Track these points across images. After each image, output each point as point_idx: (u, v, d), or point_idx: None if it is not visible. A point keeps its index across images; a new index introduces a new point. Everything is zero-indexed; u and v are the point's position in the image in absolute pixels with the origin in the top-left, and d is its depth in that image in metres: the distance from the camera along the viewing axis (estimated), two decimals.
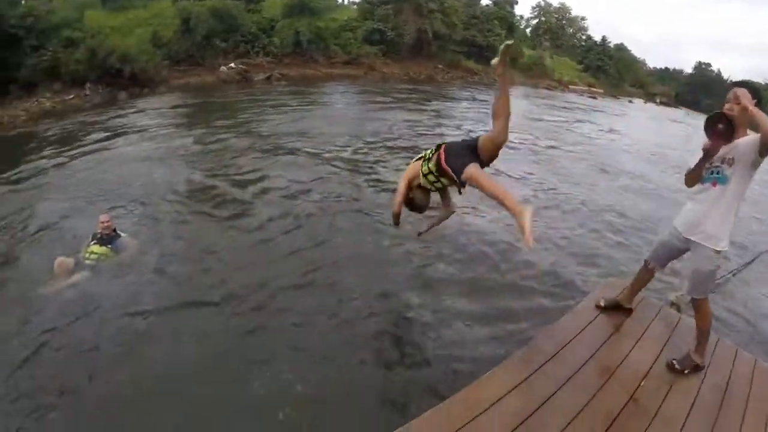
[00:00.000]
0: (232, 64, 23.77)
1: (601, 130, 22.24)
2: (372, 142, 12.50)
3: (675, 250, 3.75)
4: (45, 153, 10.71)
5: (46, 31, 18.14)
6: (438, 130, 15.13)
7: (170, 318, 4.90)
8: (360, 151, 11.57)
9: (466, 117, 19.04)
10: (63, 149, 10.95)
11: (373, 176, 9.65)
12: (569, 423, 3.00)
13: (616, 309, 4.26)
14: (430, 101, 22.25)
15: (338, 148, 11.36)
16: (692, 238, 3.48)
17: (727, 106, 3.24)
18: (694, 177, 3.49)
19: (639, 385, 3.46)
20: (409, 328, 5.27)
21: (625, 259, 7.40)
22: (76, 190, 8.24)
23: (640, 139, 21.54)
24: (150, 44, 21.75)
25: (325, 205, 7.93)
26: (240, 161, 10.02)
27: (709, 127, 3.24)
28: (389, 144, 12.44)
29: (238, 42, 26.17)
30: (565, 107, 30.89)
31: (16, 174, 9.12)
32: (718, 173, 3.35)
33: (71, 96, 17.61)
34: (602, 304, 4.27)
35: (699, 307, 3.63)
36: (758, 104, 3.10)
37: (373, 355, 4.68)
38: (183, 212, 7.47)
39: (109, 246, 5.70)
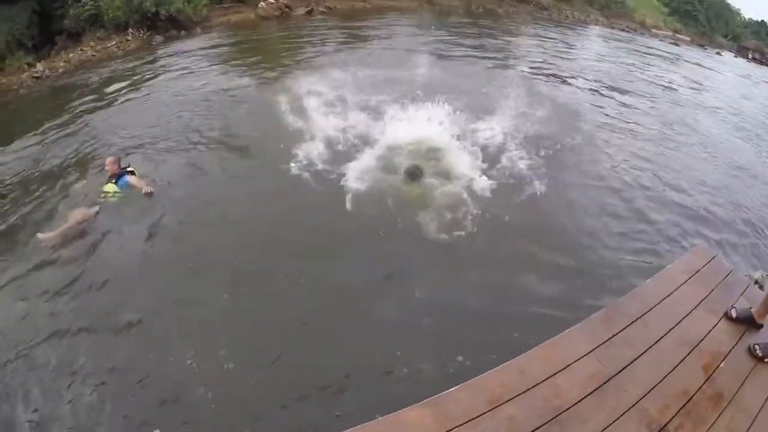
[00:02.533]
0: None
1: (677, 83, 21.08)
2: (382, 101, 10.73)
3: None
4: (74, 104, 11.54)
5: None
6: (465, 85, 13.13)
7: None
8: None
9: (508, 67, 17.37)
10: (88, 99, 11.80)
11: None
12: (645, 395, 3.09)
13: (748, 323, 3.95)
14: (482, 42, 21.09)
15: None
16: None
17: None
18: None
19: (718, 365, 3.48)
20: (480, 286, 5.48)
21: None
22: (95, 136, 9.19)
23: (723, 100, 20.47)
24: None
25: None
26: (239, 112, 10.06)
27: None
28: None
29: None
30: (641, 52, 29.40)
31: (46, 126, 10.07)
32: None
33: (113, 42, 18.03)
34: (734, 315, 3.94)
35: None
36: None
37: (450, 312, 4.97)
38: (193, 156, 8.07)
39: (115, 182, 6.69)
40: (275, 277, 5.28)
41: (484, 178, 7.32)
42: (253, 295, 5.04)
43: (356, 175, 7.17)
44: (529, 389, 2.97)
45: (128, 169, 6.83)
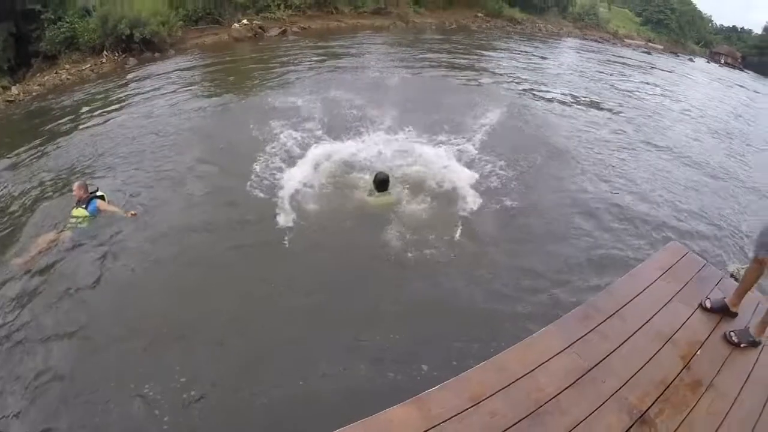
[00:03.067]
0: (245, 21, 23.46)
1: (649, 91, 21.78)
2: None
3: None
4: (47, 128, 11.62)
5: (63, 2, 18.97)
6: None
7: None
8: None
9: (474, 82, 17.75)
10: (60, 123, 11.90)
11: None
12: (624, 385, 3.23)
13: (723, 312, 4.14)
14: (455, 58, 21.49)
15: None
16: None
17: None
18: None
19: (694, 354, 3.63)
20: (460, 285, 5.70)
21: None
22: (67, 160, 9.22)
23: (694, 104, 21.09)
24: (167, 5, 21.78)
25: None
26: (209, 134, 10.08)
27: None
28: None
29: None
30: (614, 61, 30.17)
31: (19, 150, 10.10)
32: None
33: (88, 65, 18.24)
34: (708, 305, 4.14)
35: None
36: None
37: (425, 311, 5.17)
38: (164, 179, 8.10)
39: (85, 207, 6.69)
40: (246, 300, 5.30)
41: (457, 189, 7.48)
42: (220, 319, 5.04)
43: (326, 192, 7.30)
44: (509, 385, 3.08)
45: (97, 193, 6.88)
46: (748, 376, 3.59)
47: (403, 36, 27.54)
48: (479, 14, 39.79)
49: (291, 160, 8.20)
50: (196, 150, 8.98)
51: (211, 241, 6.32)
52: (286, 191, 7.16)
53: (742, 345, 3.80)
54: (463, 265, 5.95)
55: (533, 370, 3.21)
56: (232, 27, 22.92)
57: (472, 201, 7.20)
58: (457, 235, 6.41)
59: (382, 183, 6.99)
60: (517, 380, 3.11)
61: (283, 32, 24.32)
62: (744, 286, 4.07)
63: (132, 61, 18.59)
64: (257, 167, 7.90)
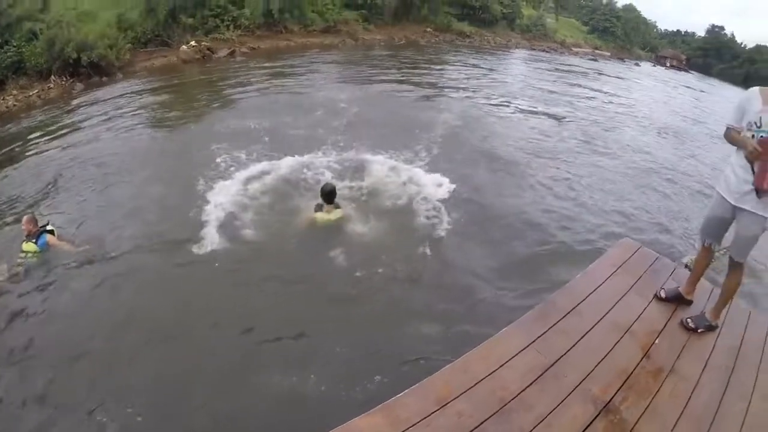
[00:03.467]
0: (193, 42, 23.31)
1: (596, 96, 22.83)
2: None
3: (726, 221, 3.86)
4: None
5: (10, 25, 18.74)
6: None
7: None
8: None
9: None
10: (3, 153, 11.56)
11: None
12: (586, 377, 3.31)
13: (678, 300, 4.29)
14: (404, 73, 21.95)
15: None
16: (744, 207, 3.58)
17: None
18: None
19: (653, 342, 3.75)
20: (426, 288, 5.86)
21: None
22: (11, 193, 8.89)
23: (640, 106, 22.17)
24: (115, 28, 21.60)
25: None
26: (152, 160, 9.90)
27: None
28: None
29: (206, 17, 25.84)
30: (563, 70, 31.28)
31: None
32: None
33: (35, 91, 17.84)
34: (663, 295, 4.29)
35: (735, 270, 3.86)
36: None
37: (396, 314, 5.28)
38: (108, 210, 7.88)
39: (35, 242, 6.56)
40: (192, 334, 5.14)
41: (407, 201, 7.62)
42: (166, 353, 4.86)
43: (270, 211, 7.28)
44: (474, 385, 3.11)
45: (47, 227, 6.72)
46: (708, 359, 3.72)
47: (351, 53, 28.00)
48: (428, 29, 40.60)
49: (236, 182, 8.13)
50: (142, 176, 8.84)
51: (156, 266, 6.24)
52: (229, 213, 7.13)
53: (699, 330, 3.94)
54: (416, 276, 6.03)
55: (496, 369, 3.25)
56: (180, 49, 22.79)
57: (424, 213, 7.31)
58: (411, 246, 6.49)
59: (329, 194, 6.83)
60: (481, 380, 3.15)
61: (232, 53, 24.37)
62: (695, 273, 4.24)
63: (79, 86, 18.22)
64: (202, 189, 7.84)
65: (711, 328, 3.98)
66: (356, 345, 4.83)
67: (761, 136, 3.36)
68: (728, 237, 3.94)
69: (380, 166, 8.80)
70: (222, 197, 7.55)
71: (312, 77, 19.15)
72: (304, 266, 6.14)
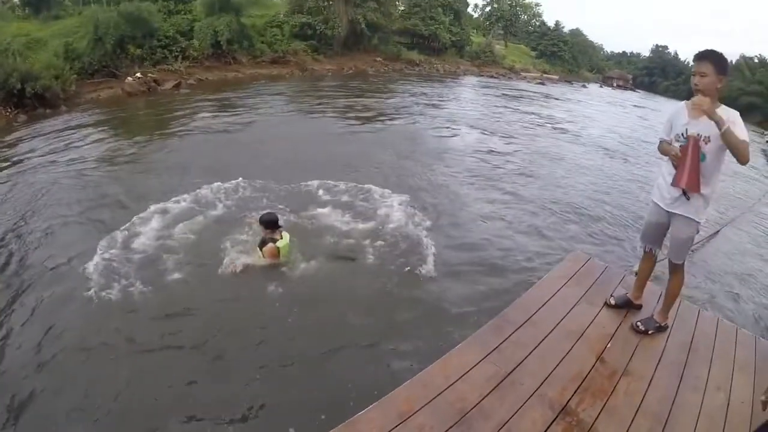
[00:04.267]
0: (139, 74, 23.02)
1: (543, 118, 23.88)
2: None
3: (662, 226, 4.14)
4: None
5: None
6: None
7: None
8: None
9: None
10: None
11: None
12: (542, 383, 3.46)
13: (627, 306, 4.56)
14: (351, 102, 22.30)
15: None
16: (676, 212, 3.90)
17: (694, 80, 3.63)
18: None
19: (606, 346, 3.95)
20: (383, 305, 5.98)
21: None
22: None
23: (587, 125, 23.42)
24: (62, 57, 21.31)
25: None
26: (88, 198, 9.26)
27: None
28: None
29: (155, 47, 25.82)
30: (511, 95, 32.38)
31: None
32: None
33: None
34: (613, 302, 4.54)
35: (675, 272, 4.14)
36: (723, 73, 3.57)
37: (355, 334, 5.33)
38: (41, 249, 7.29)
39: None
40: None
41: (354, 231, 7.66)
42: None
43: (207, 250, 6.88)
44: (434, 398, 3.21)
45: None
46: (660, 358, 3.94)
47: (299, 84, 28.27)
48: (378, 59, 41.41)
49: (170, 221, 7.73)
50: (57, 214, 8.34)
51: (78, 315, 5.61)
52: (155, 256, 6.67)
53: (650, 332, 4.17)
54: (373, 298, 6.15)
55: (454, 382, 3.36)
56: (125, 81, 22.44)
57: (373, 240, 7.38)
58: (357, 272, 6.59)
59: (270, 223, 6.60)
60: (440, 393, 3.25)
61: (177, 85, 24.16)
62: (641, 279, 4.52)
63: (22, 117, 17.54)
64: (127, 233, 7.27)
65: (661, 329, 4.22)
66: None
67: (681, 145, 3.74)
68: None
69: (323, 198, 8.86)
70: (151, 239, 7.13)
71: (256, 110, 19.08)
72: (253, 299, 5.95)
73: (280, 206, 8.42)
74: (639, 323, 4.22)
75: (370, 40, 41.21)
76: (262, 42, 32.69)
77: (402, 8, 51.16)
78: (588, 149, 17.33)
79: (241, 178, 9.45)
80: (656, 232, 4.19)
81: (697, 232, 3.92)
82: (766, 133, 43.04)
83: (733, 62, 79.03)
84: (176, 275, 6.22)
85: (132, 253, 6.69)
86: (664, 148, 3.96)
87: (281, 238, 6.54)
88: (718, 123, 3.40)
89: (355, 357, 5.03)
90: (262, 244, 6.51)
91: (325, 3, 37.54)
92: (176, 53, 26.74)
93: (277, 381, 4.67)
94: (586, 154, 16.27)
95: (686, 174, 3.67)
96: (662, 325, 4.22)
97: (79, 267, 6.35)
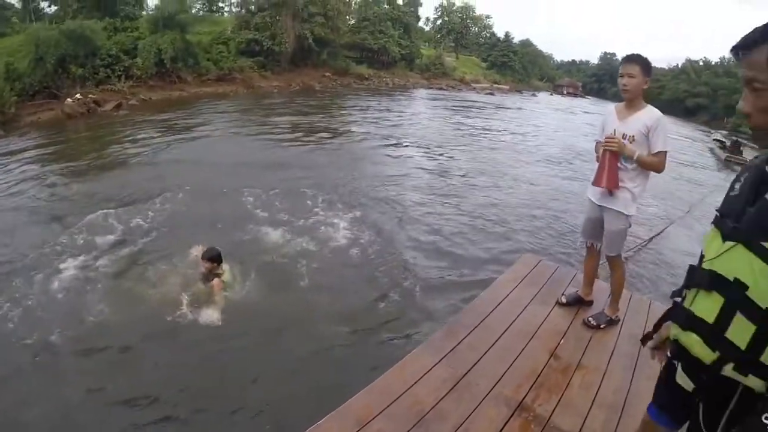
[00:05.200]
0: (78, 95, 22.58)
1: (492, 127, 24.91)
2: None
3: (598, 220, 4.33)
4: None
5: None
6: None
7: None
8: None
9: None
10: None
11: None
12: (497, 383, 3.55)
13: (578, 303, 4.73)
14: (298, 120, 22.42)
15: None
16: (606, 205, 4.12)
17: (622, 81, 3.94)
18: None
19: (558, 343, 4.08)
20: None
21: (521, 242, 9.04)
22: None
23: (536, 133, 24.46)
24: (3, 78, 20.69)
25: None
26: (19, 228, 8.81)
27: None
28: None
29: (97, 67, 25.38)
30: (458, 106, 33.27)
31: None
32: None
33: None
34: (564, 300, 4.73)
35: (614, 264, 4.36)
36: (648, 75, 3.89)
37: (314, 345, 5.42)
38: None
39: None
40: None
41: (294, 254, 7.61)
42: None
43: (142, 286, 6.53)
44: (391, 404, 3.25)
45: None
46: (613, 350, 4.08)
47: (243, 102, 28.34)
48: (327, 74, 41.62)
49: (99, 254, 7.38)
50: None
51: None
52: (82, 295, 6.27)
53: (602, 326, 4.33)
54: (322, 310, 6.21)
55: (411, 386, 3.42)
56: (65, 103, 21.97)
57: (320, 259, 7.47)
58: (307, 292, 6.61)
59: (214, 258, 6.30)
60: (397, 399, 3.30)
61: (118, 106, 23.79)
62: (587, 275, 4.71)
63: None
64: (51, 268, 6.85)
65: (612, 323, 4.39)
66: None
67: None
68: None
69: (262, 217, 8.91)
70: (72, 277, 6.67)
71: (195, 130, 18.79)
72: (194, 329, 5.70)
73: (219, 225, 8.41)
74: (591, 318, 4.37)
75: (318, 55, 41.49)
76: (208, 59, 32.65)
77: (352, 22, 51.71)
78: (533, 156, 18.02)
79: (169, 205, 9.32)
80: (593, 226, 4.39)
81: (629, 225, 4.14)
82: (712, 131, 45.23)
83: (680, 66, 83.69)
84: (109, 318, 5.79)
85: (55, 294, 6.24)
86: (597, 149, 4.20)
87: (223, 272, 6.39)
88: (630, 158, 3.81)
89: (311, 375, 5.06)
90: (206, 279, 6.29)
91: (272, 18, 37.56)
92: (119, 72, 26.39)
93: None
94: (531, 162, 16.97)
95: (605, 174, 3.95)
96: (613, 318, 4.39)
97: None
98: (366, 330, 5.83)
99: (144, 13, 31.92)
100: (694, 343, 1.61)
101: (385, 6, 56.35)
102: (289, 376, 5.03)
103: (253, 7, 39.29)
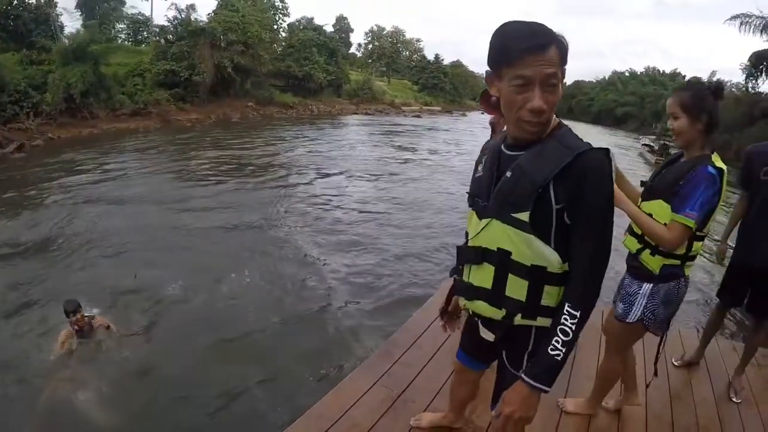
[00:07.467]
0: None
1: (412, 153, 25.74)
2: None
3: None
4: None
5: None
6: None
7: None
8: None
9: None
10: None
11: None
12: (433, 399, 3.71)
13: None
14: (218, 154, 22.22)
15: None
16: None
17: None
18: None
19: None
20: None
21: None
22: None
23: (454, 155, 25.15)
24: None
25: None
26: None
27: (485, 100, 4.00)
28: None
29: (5, 104, 24.01)
30: (386, 131, 34.27)
31: None
32: None
33: None
34: None
35: None
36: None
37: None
38: None
39: None
40: None
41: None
42: None
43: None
44: (328, 429, 3.31)
45: None
46: None
47: (156, 138, 27.58)
48: (250, 104, 41.55)
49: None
50: None
51: None
52: None
53: None
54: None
55: (348, 410, 3.51)
56: None
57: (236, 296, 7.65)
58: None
59: (76, 308, 5.70)
60: (335, 423, 3.37)
61: (20, 147, 22.28)
62: None
63: None
64: None
65: None
66: None
67: None
68: None
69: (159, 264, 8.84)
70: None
71: (95, 173, 17.70)
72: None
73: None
74: None
75: (241, 84, 41.37)
76: (123, 93, 31.92)
77: (279, 50, 51.99)
78: (459, 178, 18.28)
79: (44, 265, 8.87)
80: None
81: None
82: (641, 137, 48.38)
83: (606, 78, 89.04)
84: None
85: None
86: None
87: (93, 315, 6.07)
88: None
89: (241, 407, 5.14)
90: (85, 330, 5.82)
91: (190, 48, 37.36)
92: (27, 109, 25.11)
93: None
94: (458, 184, 17.17)
95: None
96: None
97: None
98: (293, 363, 5.94)
99: (57, 44, 31.04)
100: (482, 308, 1.95)
101: (311, 32, 57.05)
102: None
103: (170, 36, 39.26)
